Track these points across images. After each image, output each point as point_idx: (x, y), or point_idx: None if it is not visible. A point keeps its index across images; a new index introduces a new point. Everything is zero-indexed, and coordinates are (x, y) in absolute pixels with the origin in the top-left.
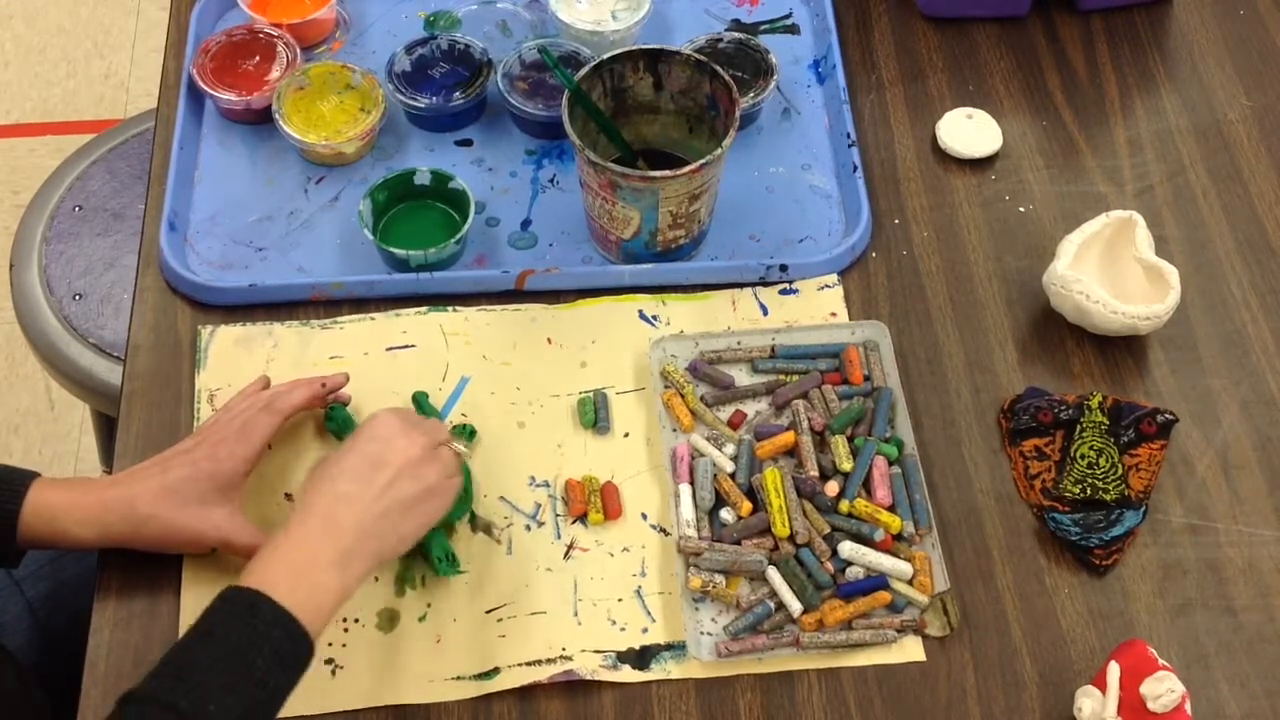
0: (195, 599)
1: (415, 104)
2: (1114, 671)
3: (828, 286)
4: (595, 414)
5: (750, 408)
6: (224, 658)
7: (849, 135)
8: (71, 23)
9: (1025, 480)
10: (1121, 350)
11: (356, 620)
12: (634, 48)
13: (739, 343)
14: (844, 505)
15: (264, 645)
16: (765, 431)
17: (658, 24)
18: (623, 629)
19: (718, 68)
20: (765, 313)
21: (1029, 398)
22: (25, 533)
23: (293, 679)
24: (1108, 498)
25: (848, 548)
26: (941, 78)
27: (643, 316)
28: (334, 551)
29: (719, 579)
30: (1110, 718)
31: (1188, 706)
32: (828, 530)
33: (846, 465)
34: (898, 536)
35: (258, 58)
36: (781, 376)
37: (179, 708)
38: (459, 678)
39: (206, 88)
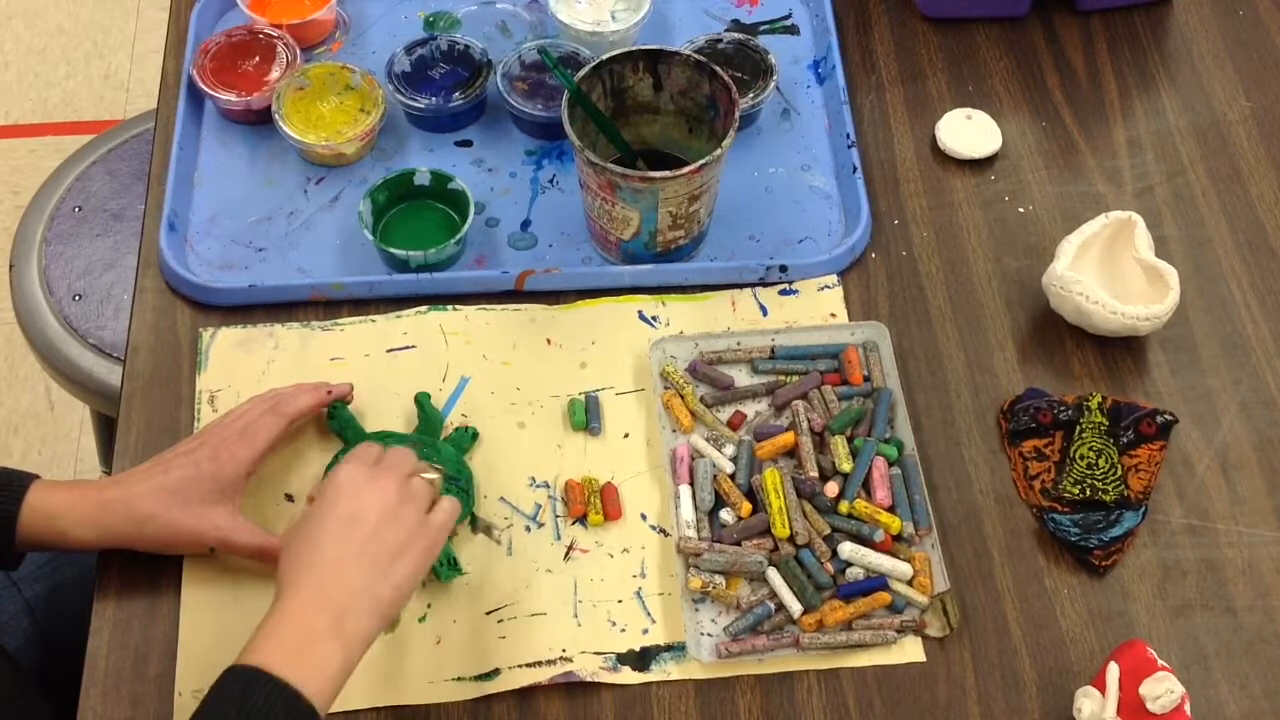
0: (195, 599)
1: (415, 104)
2: (1113, 672)
3: (827, 287)
4: (586, 416)
5: (750, 408)
6: None
7: (848, 136)
8: (71, 23)
9: (1025, 481)
10: (1121, 351)
11: None
12: (634, 48)
13: (739, 343)
14: (844, 506)
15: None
16: (765, 432)
17: (657, 24)
18: (623, 630)
19: (717, 68)
20: (765, 313)
21: (1029, 398)
22: (25, 534)
23: None
24: (1107, 498)
25: (847, 548)
26: (941, 78)
27: (642, 317)
28: (328, 618)
29: (719, 580)
30: (1110, 718)
31: (1187, 707)
32: (828, 531)
33: (846, 466)
34: (897, 537)
35: (257, 58)
36: (781, 377)
37: None
38: (459, 679)
39: (206, 88)
